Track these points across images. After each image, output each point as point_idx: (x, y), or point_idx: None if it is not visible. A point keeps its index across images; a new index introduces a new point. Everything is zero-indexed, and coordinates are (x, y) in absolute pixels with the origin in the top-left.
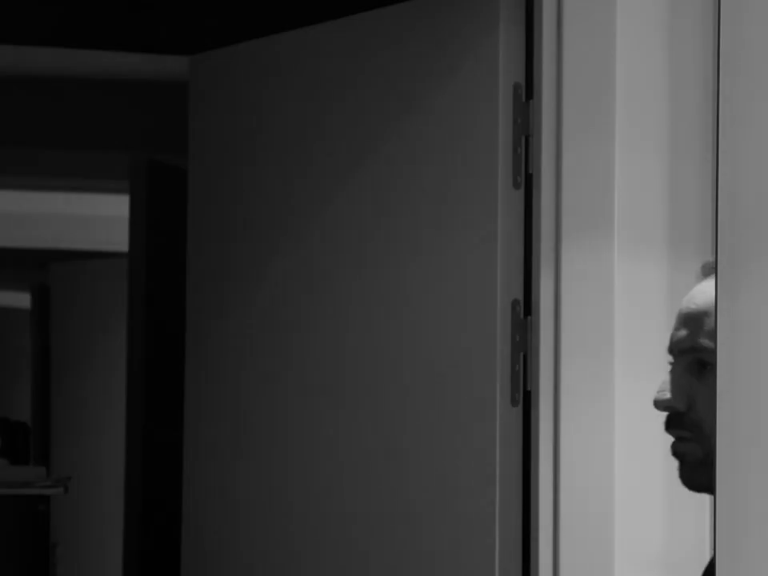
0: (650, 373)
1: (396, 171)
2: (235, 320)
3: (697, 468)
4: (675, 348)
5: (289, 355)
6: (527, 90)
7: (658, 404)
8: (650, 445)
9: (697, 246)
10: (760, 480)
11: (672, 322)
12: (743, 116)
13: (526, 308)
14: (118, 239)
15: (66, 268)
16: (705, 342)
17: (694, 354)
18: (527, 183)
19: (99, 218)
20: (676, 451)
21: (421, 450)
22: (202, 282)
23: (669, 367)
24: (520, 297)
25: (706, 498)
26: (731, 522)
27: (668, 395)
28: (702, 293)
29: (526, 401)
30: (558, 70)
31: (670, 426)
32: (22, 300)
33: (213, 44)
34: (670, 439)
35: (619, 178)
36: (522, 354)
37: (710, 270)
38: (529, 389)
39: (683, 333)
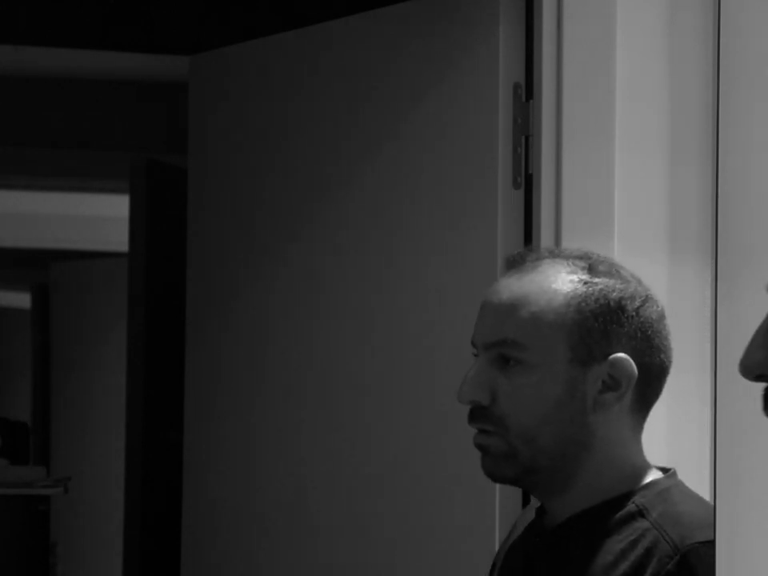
0: None
1: (396, 171)
2: (235, 320)
3: (499, 460)
4: (479, 341)
5: (289, 354)
6: (527, 90)
7: (461, 396)
8: (651, 444)
9: (697, 246)
10: (759, 477)
11: (671, 323)
12: (743, 116)
13: None
14: (117, 239)
15: (66, 268)
16: (509, 336)
17: (498, 349)
18: (527, 183)
19: (99, 218)
20: (479, 444)
21: (421, 452)
22: (202, 282)
23: (474, 360)
24: None
25: (706, 484)
26: (731, 521)
27: (473, 388)
28: (507, 287)
29: None
30: (558, 70)
31: (473, 418)
32: (22, 300)
33: (213, 44)
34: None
35: (619, 178)
36: None
37: (513, 263)
38: None
39: (488, 326)
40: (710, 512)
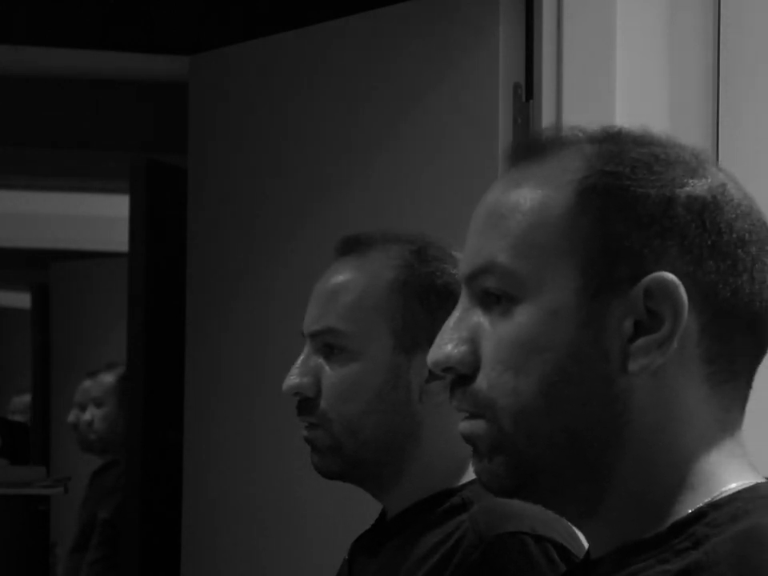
0: None
1: (396, 170)
2: (235, 320)
3: (325, 455)
4: (305, 331)
5: (289, 354)
6: (527, 90)
7: (287, 389)
8: None
9: None
10: None
11: None
12: (743, 116)
13: None
14: (118, 239)
15: (66, 268)
16: (330, 324)
17: (322, 337)
18: None
19: (99, 218)
20: (305, 438)
21: None
22: (202, 282)
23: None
24: None
25: None
26: None
27: (297, 380)
28: (333, 272)
29: None
30: (558, 70)
31: (299, 412)
32: (22, 300)
33: (213, 44)
34: None
35: None
36: None
37: (345, 248)
38: None
39: (312, 315)
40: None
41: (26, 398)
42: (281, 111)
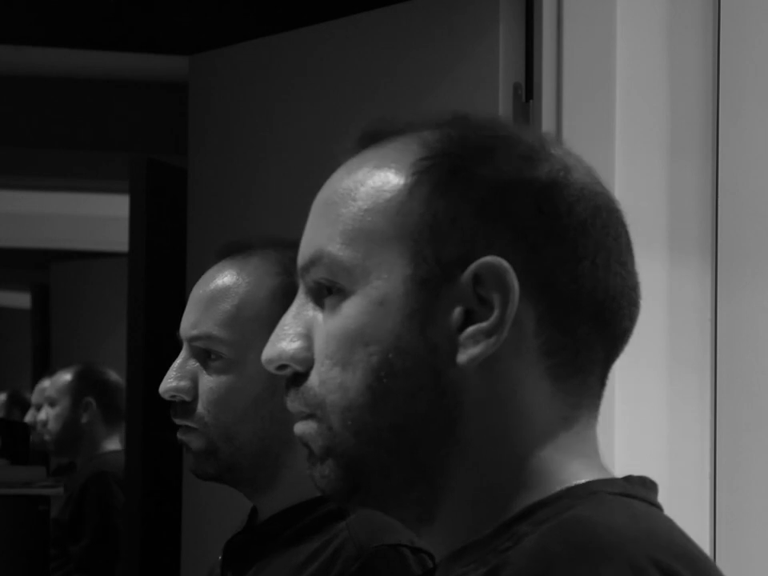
0: (650, 375)
1: None
2: None
3: (200, 458)
4: (182, 335)
5: None
6: (527, 90)
7: (164, 392)
8: (651, 444)
9: (697, 246)
10: (759, 476)
11: (671, 323)
12: (743, 116)
13: None
14: (118, 239)
15: (66, 268)
16: (211, 331)
17: (199, 342)
18: None
19: (99, 218)
20: (179, 440)
21: None
22: None
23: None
24: None
25: (706, 484)
26: (730, 519)
27: (174, 383)
28: (212, 277)
29: None
30: (558, 70)
31: (174, 414)
32: (22, 300)
33: (213, 44)
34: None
35: (619, 177)
36: None
37: (224, 253)
38: None
39: (189, 320)
40: None
41: (2, 397)
42: (281, 111)
